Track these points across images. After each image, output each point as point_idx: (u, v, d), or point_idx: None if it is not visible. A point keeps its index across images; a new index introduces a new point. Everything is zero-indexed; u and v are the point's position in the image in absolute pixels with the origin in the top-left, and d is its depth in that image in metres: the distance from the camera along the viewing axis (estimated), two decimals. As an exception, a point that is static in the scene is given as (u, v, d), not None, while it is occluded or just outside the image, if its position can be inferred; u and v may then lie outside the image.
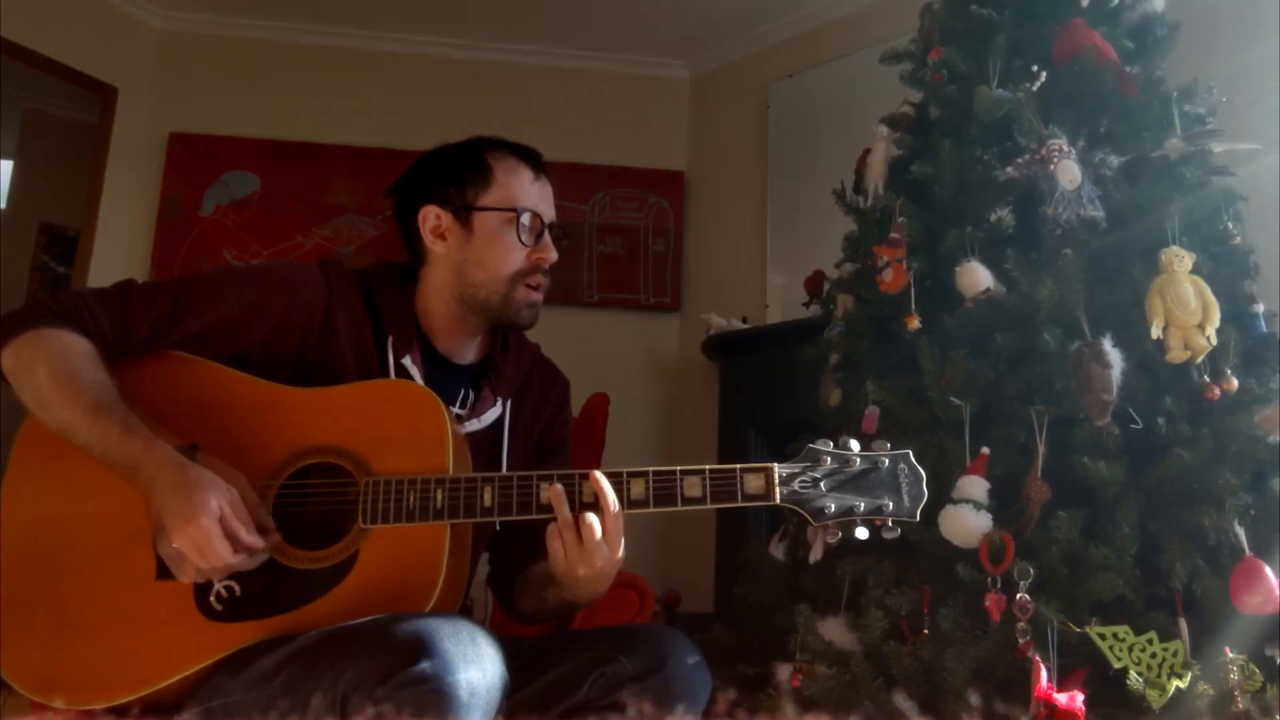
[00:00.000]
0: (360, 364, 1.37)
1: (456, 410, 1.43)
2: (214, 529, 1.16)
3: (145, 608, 1.21)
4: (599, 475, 1.21)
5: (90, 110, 4.16)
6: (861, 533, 1.21)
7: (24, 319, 1.27)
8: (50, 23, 3.83)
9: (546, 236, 1.45)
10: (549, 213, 1.46)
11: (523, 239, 1.42)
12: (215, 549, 1.16)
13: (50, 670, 1.19)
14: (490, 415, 1.46)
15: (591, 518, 1.19)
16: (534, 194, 1.45)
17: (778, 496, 1.20)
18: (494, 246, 1.42)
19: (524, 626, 1.59)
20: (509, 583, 1.50)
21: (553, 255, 1.44)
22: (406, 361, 1.40)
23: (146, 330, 1.31)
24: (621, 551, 1.23)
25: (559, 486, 1.21)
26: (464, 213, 1.44)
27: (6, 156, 5.01)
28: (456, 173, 1.45)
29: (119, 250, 3.98)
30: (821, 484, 1.21)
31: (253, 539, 1.19)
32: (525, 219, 1.42)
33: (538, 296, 1.45)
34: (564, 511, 1.20)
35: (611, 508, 1.20)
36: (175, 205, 4.03)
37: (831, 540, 1.20)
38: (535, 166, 1.47)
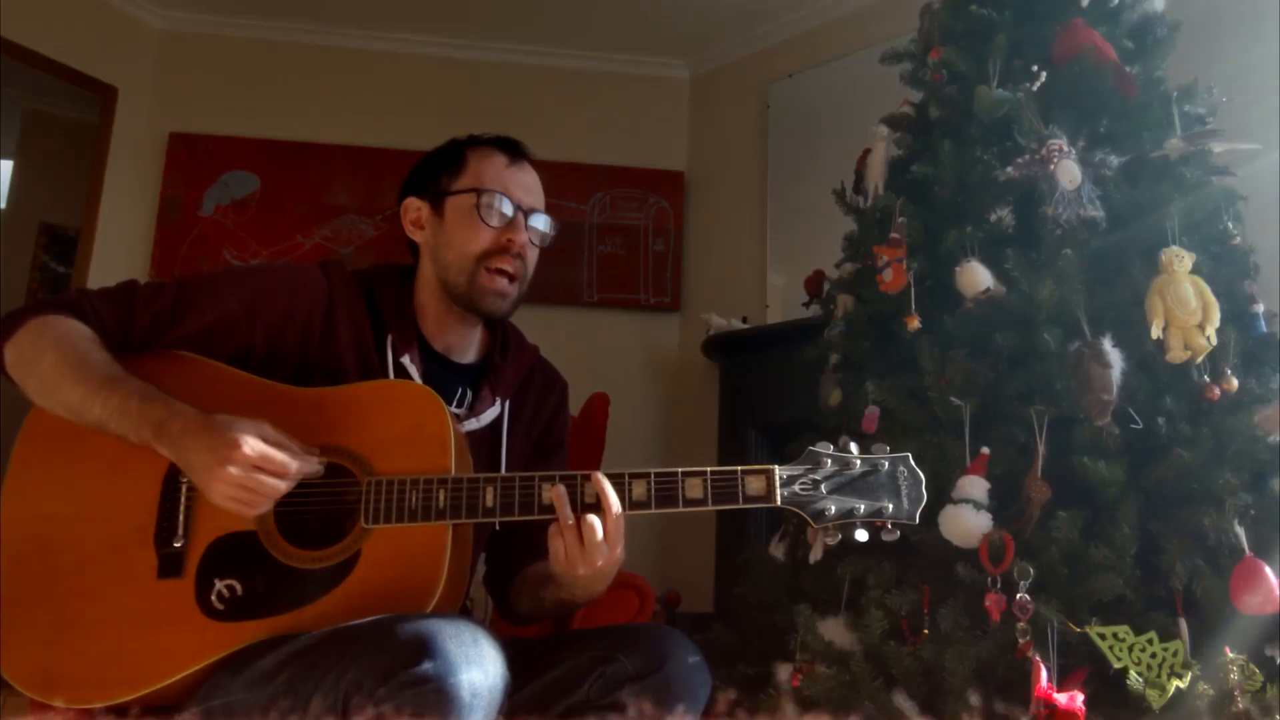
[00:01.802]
0: (361, 363, 1.38)
1: (455, 409, 1.43)
2: (254, 458, 1.15)
3: (146, 606, 1.21)
4: (600, 476, 1.21)
5: (90, 110, 4.17)
6: (861, 535, 1.21)
7: (25, 313, 1.27)
8: (50, 23, 3.83)
9: (519, 219, 1.43)
10: (524, 198, 1.44)
11: (484, 217, 1.41)
12: (257, 480, 1.16)
13: (50, 669, 1.19)
14: (489, 415, 1.46)
15: (593, 518, 1.19)
16: (505, 177, 1.43)
17: (779, 499, 1.21)
18: (461, 227, 1.42)
19: (520, 627, 1.60)
20: (505, 583, 1.50)
21: (521, 237, 1.42)
22: (405, 360, 1.40)
23: (147, 326, 1.32)
24: (622, 552, 1.23)
25: (561, 487, 1.21)
26: (438, 200, 1.45)
27: (6, 156, 5.01)
28: (436, 166, 1.48)
29: (119, 250, 3.98)
30: (822, 486, 1.22)
31: (296, 461, 1.19)
32: (489, 198, 1.41)
33: (504, 285, 1.42)
34: (565, 511, 1.20)
35: (613, 509, 1.20)
36: (175, 205, 4.03)
37: (831, 541, 1.20)
38: (511, 153, 1.47)
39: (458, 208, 1.43)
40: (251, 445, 1.16)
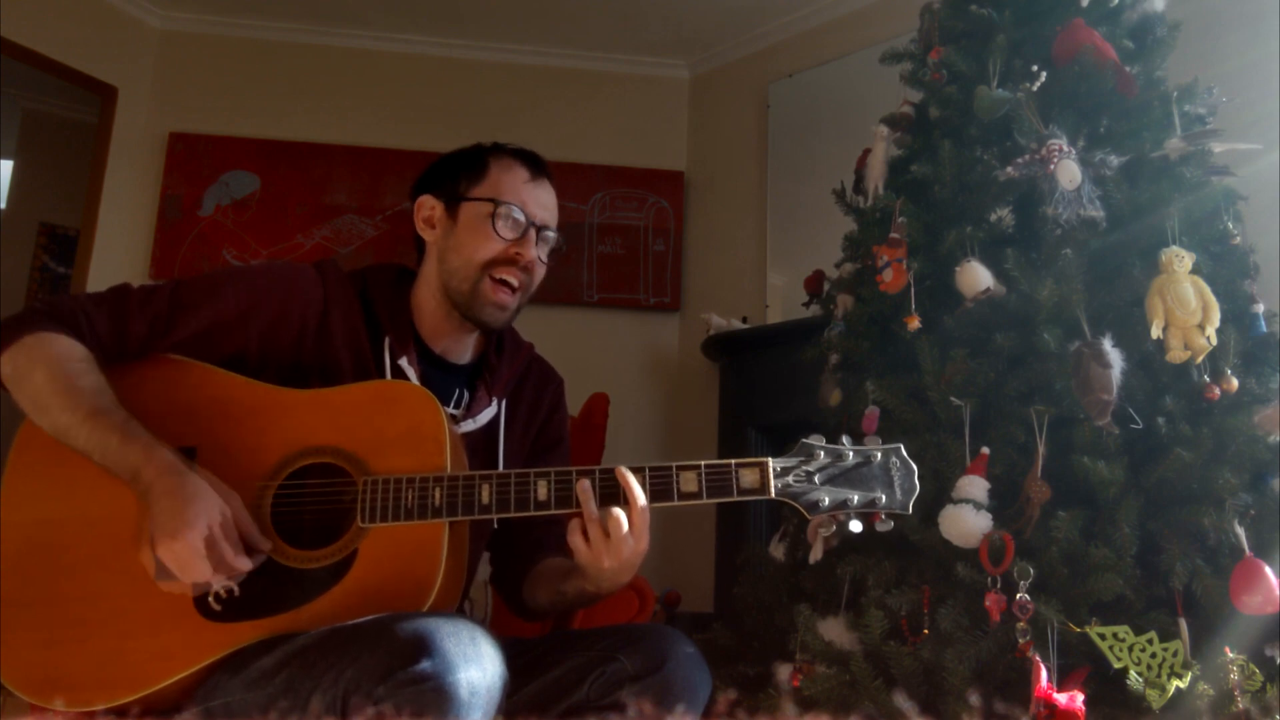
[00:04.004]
0: (356, 365, 1.38)
1: (451, 411, 1.43)
2: (198, 546, 1.16)
3: (145, 608, 1.20)
4: (625, 470, 1.21)
5: (90, 110, 4.17)
6: (855, 526, 1.22)
7: (20, 325, 1.27)
8: (50, 23, 3.84)
9: (530, 234, 1.43)
10: (539, 214, 1.45)
11: (497, 228, 1.41)
12: (195, 566, 1.17)
13: (49, 671, 1.19)
14: (485, 416, 1.46)
15: (618, 512, 1.20)
16: (523, 191, 1.44)
17: (772, 490, 1.21)
18: (473, 234, 1.42)
19: (524, 626, 1.59)
20: (517, 579, 1.50)
21: (530, 253, 1.42)
22: (403, 363, 1.40)
23: (143, 334, 1.31)
24: (646, 543, 1.23)
25: (586, 482, 1.21)
26: (454, 203, 1.45)
27: (6, 156, 5.02)
28: (456, 168, 1.48)
29: (119, 250, 3.98)
30: (815, 478, 1.22)
31: (239, 561, 1.19)
32: (505, 210, 1.41)
33: (506, 297, 1.42)
34: (591, 507, 1.21)
35: (639, 502, 1.20)
36: (175, 205, 4.04)
37: (826, 533, 1.20)
38: (533, 168, 1.47)
39: (472, 214, 1.43)
40: (200, 531, 1.16)
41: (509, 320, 1.46)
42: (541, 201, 1.46)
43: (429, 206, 1.48)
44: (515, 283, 1.43)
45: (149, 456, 1.21)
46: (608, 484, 1.22)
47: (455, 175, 1.47)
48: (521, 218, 1.42)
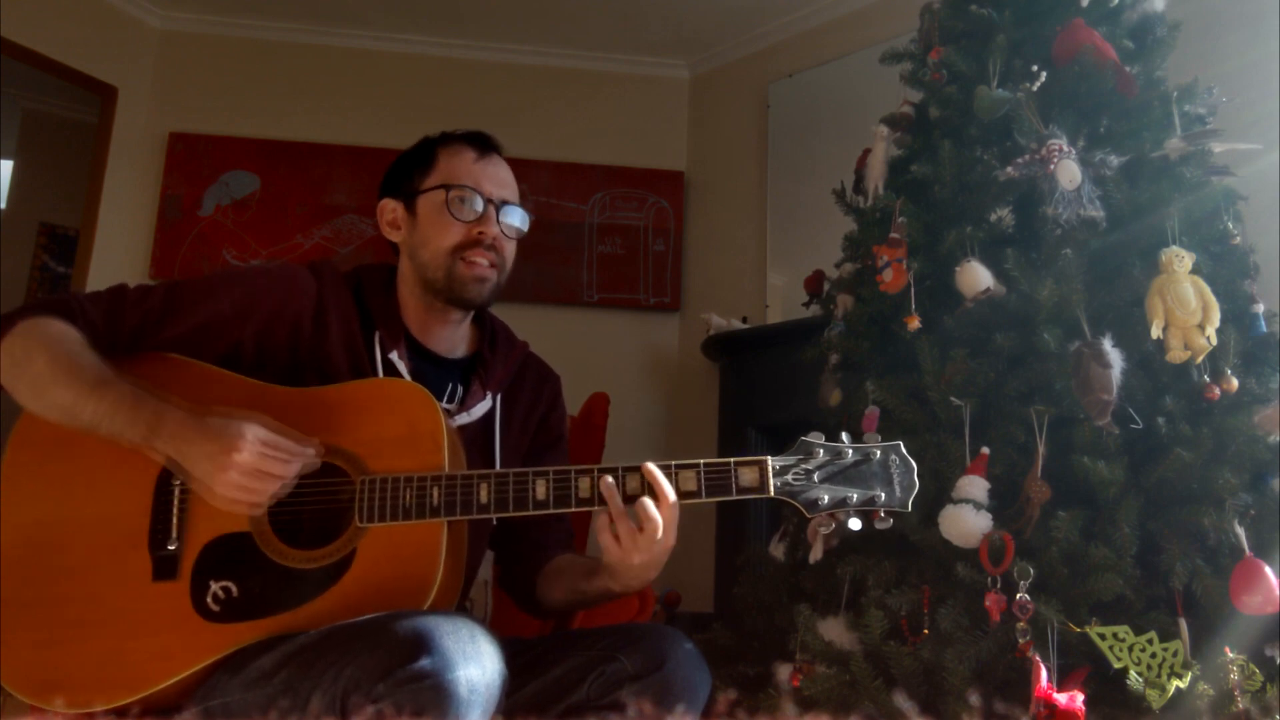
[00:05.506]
0: (351, 362, 1.38)
1: (445, 405, 1.43)
2: (260, 450, 1.17)
3: (143, 609, 1.20)
4: (652, 466, 1.21)
5: (90, 110, 4.17)
6: (854, 523, 1.22)
7: (13, 317, 1.27)
8: (50, 23, 3.84)
9: (490, 212, 1.43)
10: (495, 191, 1.44)
11: (454, 212, 1.41)
12: (270, 464, 1.18)
13: (48, 673, 1.19)
14: (480, 409, 1.46)
15: (651, 506, 1.20)
16: (474, 171, 1.44)
17: (771, 489, 1.21)
18: (434, 225, 1.43)
19: (524, 626, 1.59)
20: (529, 579, 1.50)
21: (492, 229, 1.42)
22: (394, 356, 1.40)
23: (136, 326, 1.31)
24: (674, 537, 1.24)
25: (609, 479, 1.22)
26: (411, 199, 1.46)
27: (6, 156, 5.02)
28: (408, 166, 1.48)
29: (119, 250, 3.98)
30: (814, 476, 1.22)
31: (300, 448, 1.21)
32: (457, 193, 1.42)
33: (484, 271, 1.43)
34: (617, 502, 1.21)
35: (669, 497, 1.20)
36: (175, 205, 4.04)
37: (826, 531, 1.20)
38: (480, 147, 1.47)
39: (429, 205, 1.44)
40: (254, 435, 1.18)
41: (491, 295, 1.46)
42: (495, 178, 1.46)
43: (390, 209, 1.49)
44: (486, 263, 1.43)
45: (163, 412, 1.21)
46: (631, 481, 1.22)
47: (409, 173, 1.47)
48: (477, 198, 1.42)
